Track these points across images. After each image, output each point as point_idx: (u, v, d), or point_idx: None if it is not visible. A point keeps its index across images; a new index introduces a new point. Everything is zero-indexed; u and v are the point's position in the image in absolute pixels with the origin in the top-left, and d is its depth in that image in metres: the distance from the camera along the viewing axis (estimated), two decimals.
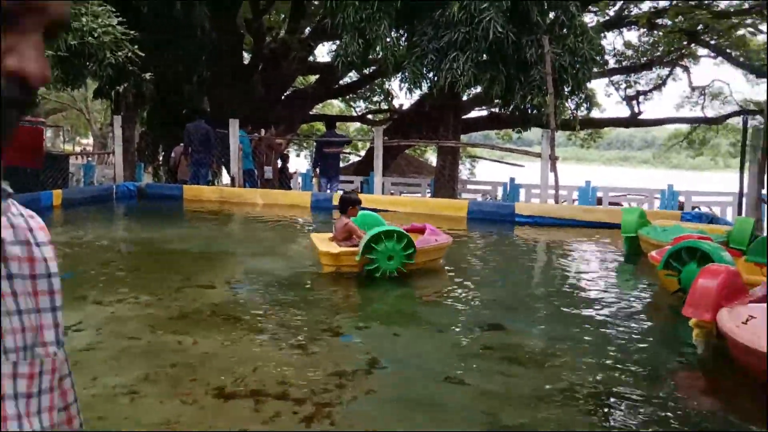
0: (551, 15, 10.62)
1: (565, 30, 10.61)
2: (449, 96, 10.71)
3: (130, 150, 12.90)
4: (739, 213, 8.73)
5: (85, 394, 3.17)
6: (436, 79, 10.33)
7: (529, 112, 11.03)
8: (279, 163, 13.79)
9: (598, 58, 11.00)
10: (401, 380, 3.55)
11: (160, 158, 15.83)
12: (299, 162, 23.87)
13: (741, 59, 19.22)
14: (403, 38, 11.31)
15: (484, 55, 9.89)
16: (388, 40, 10.45)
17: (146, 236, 8.01)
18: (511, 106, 11.14)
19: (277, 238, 8.65)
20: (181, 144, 12.44)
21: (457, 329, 4.51)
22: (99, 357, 3.67)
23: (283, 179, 13.60)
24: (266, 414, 3.01)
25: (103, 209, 10.65)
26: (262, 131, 12.91)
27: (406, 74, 10.64)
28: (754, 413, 3.30)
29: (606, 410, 3.18)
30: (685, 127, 25.24)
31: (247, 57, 18.50)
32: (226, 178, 14.46)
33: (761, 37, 19.50)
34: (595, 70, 11.33)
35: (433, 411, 3.13)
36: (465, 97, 13.61)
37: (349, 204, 6.02)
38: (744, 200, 8.44)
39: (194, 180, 12.29)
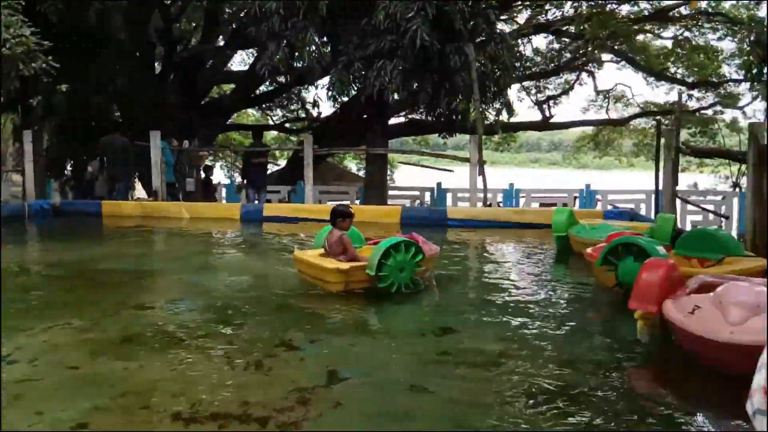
0: (473, 23, 10.88)
1: (485, 37, 10.90)
2: (377, 103, 10.77)
3: (39, 166, 12.16)
4: (656, 209, 9.23)
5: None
6: (362, 86, 10.35)
7: (454, 118, 11.24)
8: (202, 175, 13.40)
9: (517, 64, 11.37)
10: (366, 392, 3.49)
11: (67, 173, 15.03)
12: (217, 173, 23.31)
13: (642, 63, 20.34)
14: (329, 46, 11.27)
15: (411, 63, 9.99)
16: (313, 48, 10.38)
17: (70, 257, 7.55)
18: (436, 112, 11.32)
19: (211, 252, 8.39)
20: (97, 158, 11.88)
21: (413, 336, 4.49)
22: (40, 389, 3.41)
23: (207, 192, 13.22)
24: None
25: (17, 230, 9.95)
26: (185, 143, 12.51)
27: (333, 82, 10.60)
28: (706, 397, 3.49)
29: (567, 408, 3.24)
30: (591, 129, 26.47)
31: (158, 67, 17.89)
32: (141, 192, 13.92)
33: (659, 42, 20.79)
34: (514, 75, 11.71)
35: (404, 422, 3.10)
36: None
37: (339, 216, 5.72)
38: (661, 197, 8.93)
39: (110, 196, 11.80)
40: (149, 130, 11.75)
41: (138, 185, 14.89)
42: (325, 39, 11.16)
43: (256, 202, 11.88)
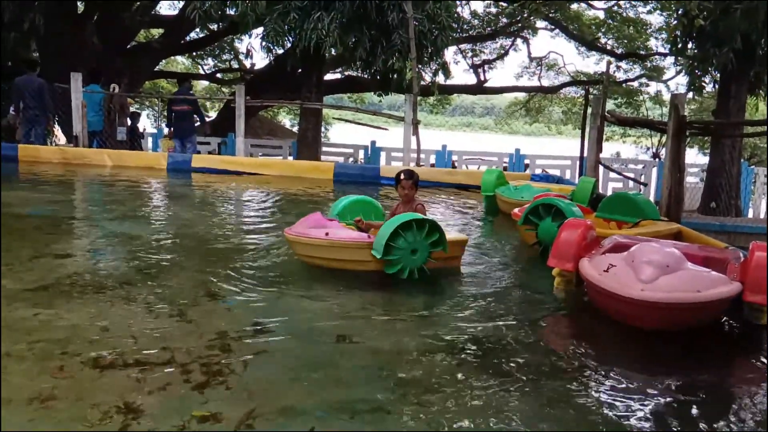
0: None
1: None
2: (313, 57, 10.54)
3: None
4: (581, 175, 9.55)
5: None
6: (298, 38, 10.10)
7: (390, 76, 11.16)
8: (128, 122, 12.85)
9: (455, 25, 11.34)
10: (291, 342, 3.50)
11: None
12: (143, 122, 22.46)
13: (574, 32, 20.72)
14: None
15: (349, 17, 9.80)
16: None
17: None
18: (372, 70, 11.21)
19: (136, 201, 8.11)
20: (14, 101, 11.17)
21: (339, 289, 4.52)
22: None
23: (134, 140, 12.70)
24: (153, 384, 2.84)
25: None
26: (115, 87, 11.85)
27: (267, 32, 10.28)
28: (615, 349, 3.71)
29: (488, 357, 3.37)
30: (523, 96, 26.91)
31: (81, 7, 16.88)
32: (64, 139, 13.26)
33: (592, 12, 21.20)
34: (451, 37, 11.69)
35: (329, 369, 3.13)
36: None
37: (395, 181, 5.24)
38: (585, 164, 9.23)
39: (26, 139, 11.16)
40: (70, 72, 11.15)
41: (58, 131, 14.16)
42: None
43: (186, 153, 11.51)
